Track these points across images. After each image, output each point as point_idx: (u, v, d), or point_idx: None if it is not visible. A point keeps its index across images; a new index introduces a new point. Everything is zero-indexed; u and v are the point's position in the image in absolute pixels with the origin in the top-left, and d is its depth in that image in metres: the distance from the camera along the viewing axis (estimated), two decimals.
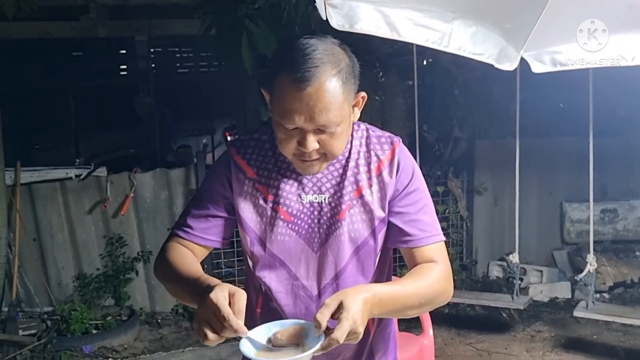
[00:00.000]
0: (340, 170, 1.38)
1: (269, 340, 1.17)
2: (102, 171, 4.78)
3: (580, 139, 3.84)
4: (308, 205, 1.37)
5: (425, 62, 5.06)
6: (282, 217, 1.36)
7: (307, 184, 1.38)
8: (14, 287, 4.34)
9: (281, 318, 1.42)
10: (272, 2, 4.03)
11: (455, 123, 5.24)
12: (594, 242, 3.85)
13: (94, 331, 4.33)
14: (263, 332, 1.19)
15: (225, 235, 1.44)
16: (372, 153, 1.39)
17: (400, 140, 1.43)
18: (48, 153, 6.51)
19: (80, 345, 4.17)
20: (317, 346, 1.10)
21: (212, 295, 1.11)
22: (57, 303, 4.50)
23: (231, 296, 1.12)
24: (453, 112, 5.16)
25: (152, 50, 6.71)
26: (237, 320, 1.10)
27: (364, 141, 1.41)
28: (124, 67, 8.08)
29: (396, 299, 1.25)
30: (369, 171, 1.38)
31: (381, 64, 4.83)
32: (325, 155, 1.31)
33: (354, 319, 1.11)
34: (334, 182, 1.37)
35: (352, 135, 1.40)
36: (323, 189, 1.37)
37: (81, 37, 6.10)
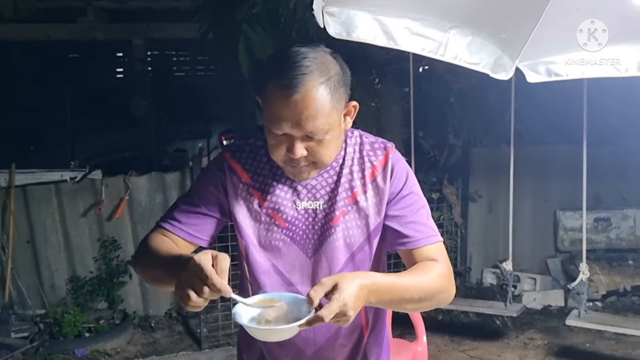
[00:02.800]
0: (335, 177, 1.40)
1: (261, 316, 1.19)
2: (97, 174, 4.78)
3: (574, 147, 3.87)
4: (302, 211, 1.38)
5: (421, 70, 5.08)
6: (276, 222, 1.38)
7: (302, 190, 1.39)
8: (7, 289, 4.33)
9: None
10: (269, 8, 4.05)
11: (450, 130, 5.26)
12: (587, 250, 3.87)
13: (87, 334, 4.32)
14: (257, 301, 1.22)
15: (212, 234, 1.44)
16: (366, 159, 1.41)
17: (394, 145, 1.44)
18: (43, 155, 6.48)
19: (73, 349, 4.15)
20: (303, 320, 1.11)
21: (195, 257, 1.11)
22: (50, 306, 4.48)
23: (214, 259, 1.12)
24: (449, 120, 5.18)
25: (149, 53, 6.71)
26: (220, 279, 1.10)
27: (357, 148, 1.42)
28: (121, 69, 8.08)
29: (395, 290, 1.25)
30: (363, 177, 1.39)
31: (377, 71, 4.85)
32: (314, 163, 1.32)
33: (345, 302, 1.11)
34: (328, 188, 1.39)
35: (345, 142, 1.42)
36: (317, 195, 1.39)
37: (78, 40, 6.11)
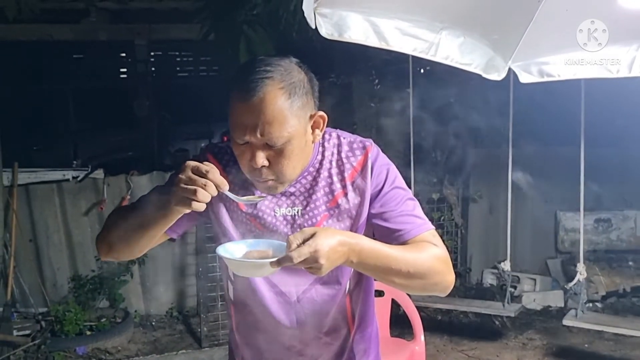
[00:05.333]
0: (313, 182, 1.37)
1: (245, 257, 1.23)
2: (99, 173, 4.83)
3: (575, 148, 3.86)
4: (281, 218, 1.37)
5: (422, 70, 5.09)
6: (256, 227, 1.37)
7: (281, 197, 1.37)
8: (9, 287, 4.36)
9: (259, 323, 1.45)
10: (270, 9, 4.07)
11: (451, 131, 5.27)
12: (588, 251, 3.88)
13: (88, 332, 4.36)
14: (242, 246, 1.26)
15: (185, 229, 1.44)
16: (345, 161, 1.38)
17: (373, 143, 1.41)
18: (46, 154, 6.53)
19: (74, 347, 4.20)
20: (274, 259, 1.14)
21: (188, 161, 1.17)
22: (51, 304, 4.51)
23: (201, 164, 1.17)
24: (449, 121, 5.18)
25: (151, 53, 6.75)
26: (218, 174, 1.15)
27: (335, 150, 1.39)
28: (124, 70, 8.12)
29: (381, 257, 1.23)
30: (343, 179, 1.37)
31: (377, 72, 4.87)
32: (278, 176, 1.29)
33: (317, 249, 1.12)
34: (306, 194, 1.37)
35: (323, 146, 1.39)
36: (296, 202, 1.37)
37: (82, 40, 6.15)
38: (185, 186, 1.14)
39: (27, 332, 4.25)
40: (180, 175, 1.16)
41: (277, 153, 1.26)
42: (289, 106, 1.23)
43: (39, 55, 6.73)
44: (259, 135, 1.23)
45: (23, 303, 4.61)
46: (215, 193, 1.15)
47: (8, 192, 4.47)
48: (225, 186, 1.16)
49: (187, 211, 1.20)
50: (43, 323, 4.33)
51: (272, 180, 1.30)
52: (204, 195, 1.14)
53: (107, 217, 1.42)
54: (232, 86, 1.25)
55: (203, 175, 1.14)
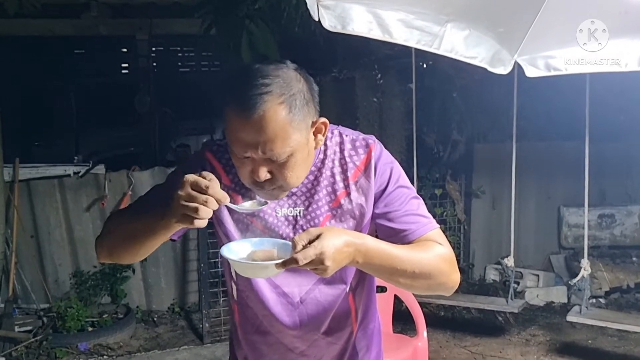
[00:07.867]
0: (315, 182, 1.34)
1: (249, 257, 1.21)
2: (100, 169, 4.81)
3: (579, 143, 3.85)
4: (282, 218, 1.34)
5: (425, 65, 5.06)
6: (257, 228, 1.34)
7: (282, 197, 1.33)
8: (11, 283, 4.35)
9: (261, 325, 1.43)
10: (272, 3, 4.06)
11: (454, 126, 5.24)
12: (591, 247, 3.86)
13: (90, 328, 4.35)
14: (246, 245, 1.23)
15: (180, 231, 1.37)
16: (348, 160, 1.35)
17: (376, 140, 1.38)
18: (48, 150, 6.52)
19: (76, 343, 4.19)
20: (280, 260, 1.12)
21: (187, 176, 1.12)
22: (53, 300, 4.51)
23: (201, 176, 1.13)
24: (452, 115, 5.16)
25: (153, 49, 6.71)
26: (219, 188, 1.11)
27: (338, 148, 1.36)
28: (125, 65, 8.09)
29: (386, 257, 1.21)
30: (346, 179, 1.34)
31: (380, 66, 4.84)
32: (281, 186, 1.26)
33: (322, 250, 1.10)
34: (308, 194, 1.34)
35: (325, 144, 1.35)
36: (298, 202, 1.34)
37: (82, 35, 6.12)
38: (186, 204, 1.11)
39: (29, 328, 4.24)
40: (179, 192, 1.12)
41: (280, 165, 1.22)
42: (290, 120, 1.19)
43: (40, 50, 6.70)
44: (260, 153, 1.19)
45: (25, 299, 4.61)
46: (216, 207, 1.12)
47: (9, 188, 4.46)
48: (226, 199, 1.13)
49: (190, 227, 1.16)
50: (45, 319, 4.33)
51: (276, 189, 1.26)
52: (206, 212, 1.11)
53: (106, 220, 1.38)
54: (228, 99, 1.19)
55: (203, 191, 1.11)
